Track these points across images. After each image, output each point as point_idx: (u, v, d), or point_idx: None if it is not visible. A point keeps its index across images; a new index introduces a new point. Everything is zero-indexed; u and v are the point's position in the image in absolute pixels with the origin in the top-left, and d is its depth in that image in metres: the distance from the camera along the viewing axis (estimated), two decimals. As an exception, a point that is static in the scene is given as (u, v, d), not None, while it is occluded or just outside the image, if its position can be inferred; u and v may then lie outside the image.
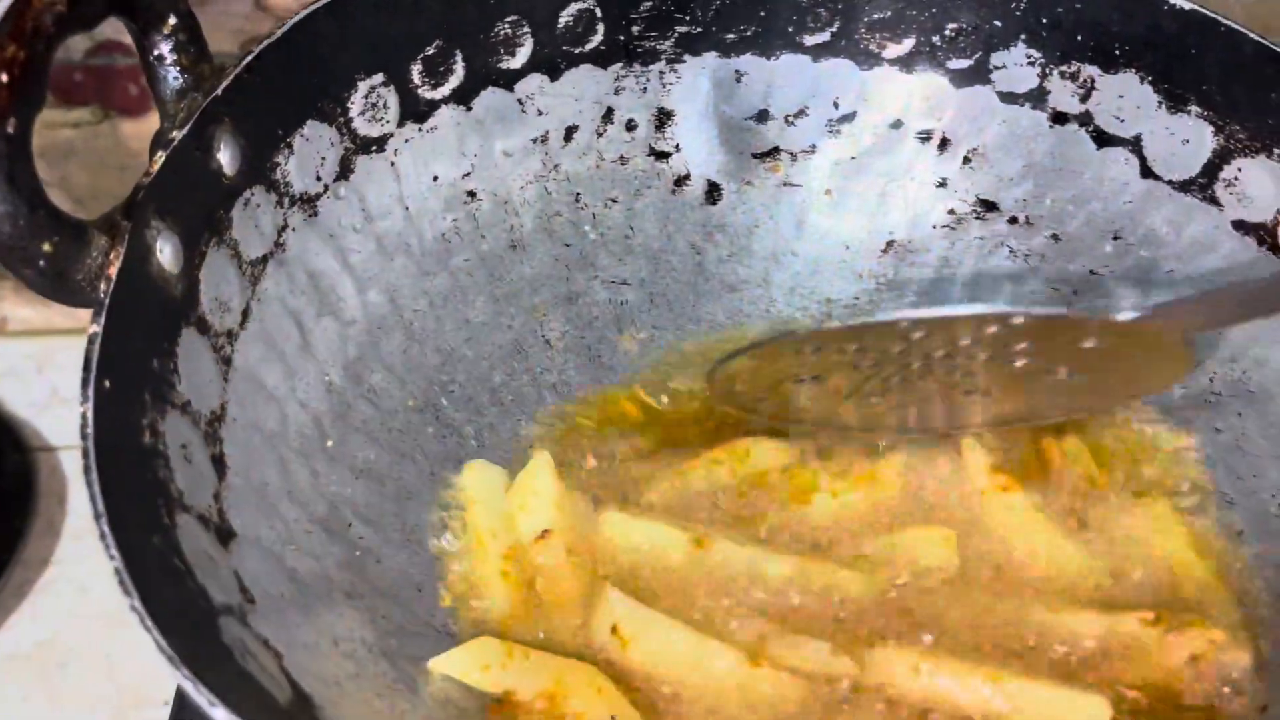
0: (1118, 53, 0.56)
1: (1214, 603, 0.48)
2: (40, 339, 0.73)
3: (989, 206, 0.62)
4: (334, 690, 0.37)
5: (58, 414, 0.71)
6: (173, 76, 0.43)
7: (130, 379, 0.36)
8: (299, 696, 0.35)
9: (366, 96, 0.52)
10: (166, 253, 0.40)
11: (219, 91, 0.43)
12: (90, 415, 0.33)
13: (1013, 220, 0.61)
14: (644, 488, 0.52)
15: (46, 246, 0.35)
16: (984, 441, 0.54)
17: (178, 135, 0.41)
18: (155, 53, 0.42)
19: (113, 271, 0.36)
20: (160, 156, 0.40)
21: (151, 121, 0.41)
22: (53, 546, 0.68)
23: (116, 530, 0.30)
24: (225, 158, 0.44)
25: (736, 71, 0.61)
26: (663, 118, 0.62)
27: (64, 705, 0.63)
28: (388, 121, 0.53)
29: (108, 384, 0.34)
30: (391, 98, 0.53)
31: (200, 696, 0.27)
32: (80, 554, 0.68)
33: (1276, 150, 0.52)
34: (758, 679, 0.44)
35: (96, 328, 0.35)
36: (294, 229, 0.48)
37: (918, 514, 0.52)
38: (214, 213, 0.43)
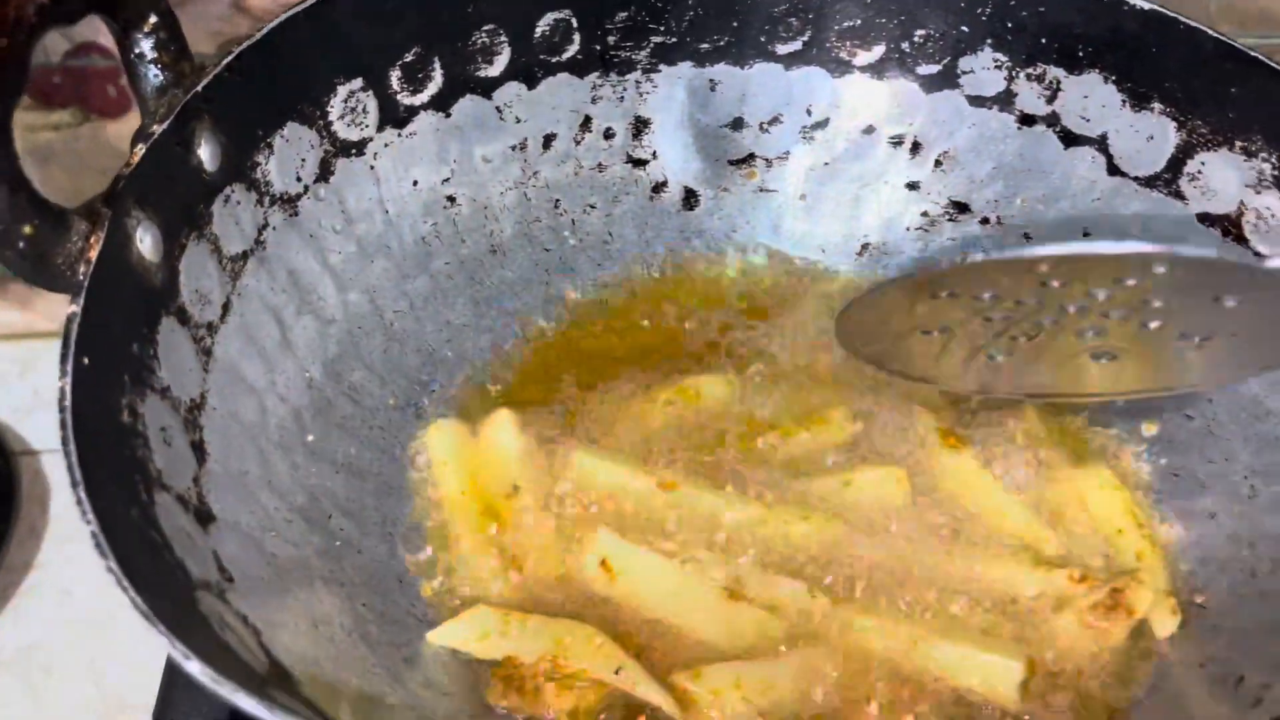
0: (1081, 54, 0.58)
1: (1147, 568, 0.49)
2: (22, 342, 0.73)
3: (961, 208, 0.63)
4: (313, 668, 0.37)
5: (40, 418, 0.71)
6: (153, 74, 0.44)
7: (109, 359, 0.37)
8: (277, 670, 0.35)
9: (346, 101, 0.53)
10: (147, 242, 0.41)
11: (199, 89, 0.44)
12: (68, 389, 0.33)
13: (984, 221, 0.62)
14: (602, 432, 0.53)
15: (27, 229, 0.36)
16: (934, 400, 0.55)
17: (158, 129, 0.42)
18: (136, 50, 0.43)
19: (93, 255, 0.37)
20: (141, 149, 0.41)
21: (131, 123, 0.42)
22: (35, 551, 0.67)
23: (93, 497, 0.31)
24: (205, 154, 0.45)
25: (711, 80, 0.63)
26: (640, 126, 0.63)
27: (48, 710, 0.62)
28: (367, 126, 0.54)
29: (86, 361, 0.35)
30: (371, 103, 0.54)
31: (176, 651, 0.27)
32: (64, 558, 0.67)
33: (1238, 143, 0.54)
34: (740, 612, 0.45)
35: (76, 308, 0.36)
36: (274, 228, 0.49)
37: (870, 458, 0.53)
38: (194, 207, 0.44)
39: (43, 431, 0.71)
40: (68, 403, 0.33)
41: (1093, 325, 0.45)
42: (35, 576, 0.67)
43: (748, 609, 0.46)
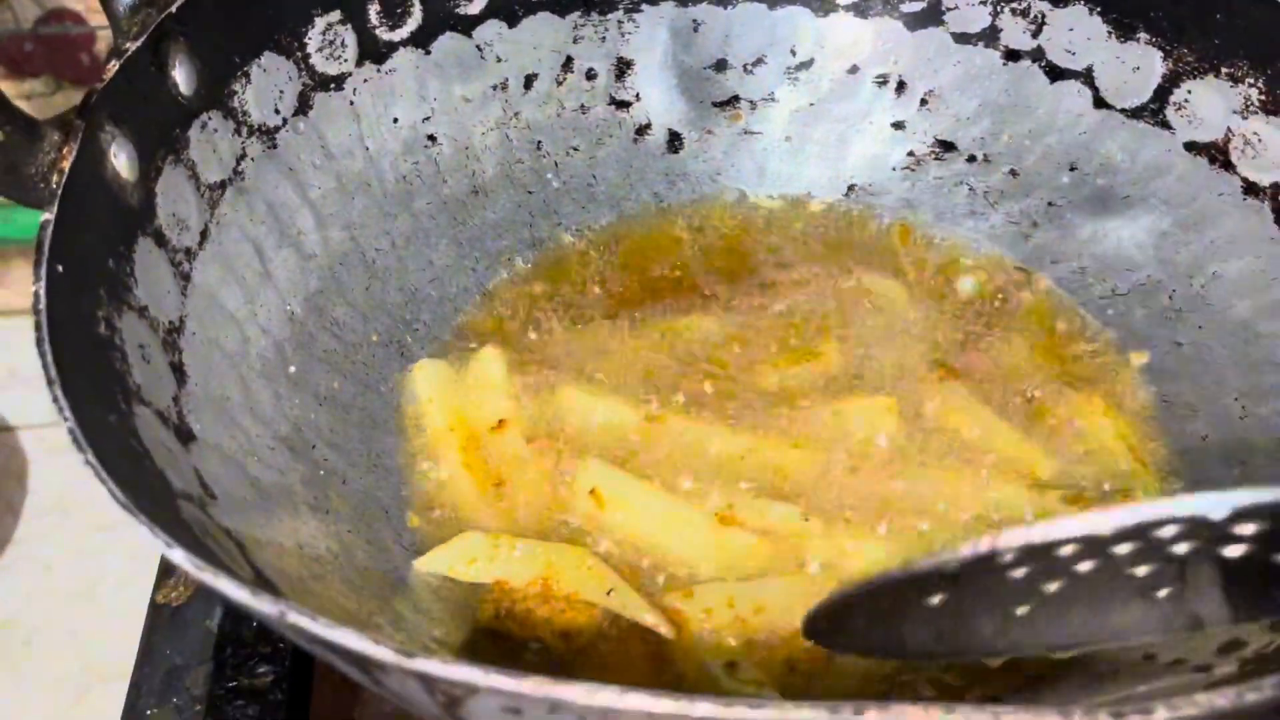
0: (1066, -14, 0.57)
1: (1141, 488, 0.49)
2: (-2, 320, 0.73)
3: (947, 146, 0.62)
4: (297, 586, 0.36)
5: (17, 394, 0.70)
6: (126, -8, 0.42)
7: (84, 270, 0.36)
8: (261, 580, 0.34)
9: (324, 34, 0.52)
10: (121, 159, 0.40)
11: (173, 9, 0.43)
12: (43, 293, 0.32)
13: (971, 159, 0.62)
14: (592, 365, 0.53)
15: (-3, 135, 0.35)
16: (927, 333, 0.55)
17: (132, 46, 0.41)
18: (108, -32, 0.42)
19: (65, 165, 0.36)
20: (114, 64, 0.40)
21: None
22: (14, 526, 0.67)
23: (70, 395, 0.30)
24: (181, 76, 0.44)
25: (694, 20, 0.62)
26: (622, 67, 0.62)
27: (28, 682, 0.62)
28: (346, 60, 0.53)
29: (60, 268, 0.34)
30: (349, 36, 0.53)
31: (159, 538, 0.26)
32: (42, 532, 0.67)
33: (1224, 69, 0.53)
34: (732, 538, 0.44)
35: (49, 215, 0.35)
36: (253, 159, 0.48)
37: (861, 389, 0.53)
38: (170, 130, 0.43)
39: (19, 407, 0.70)
40: (42, 306, 0.32)
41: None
42: (13, 551, 0.66)
43: (740, 534, 0.45)
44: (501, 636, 0.42)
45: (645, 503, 0.47)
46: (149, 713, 0.46)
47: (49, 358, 0.31)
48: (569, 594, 0.42)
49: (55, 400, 0.30)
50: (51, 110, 0.82)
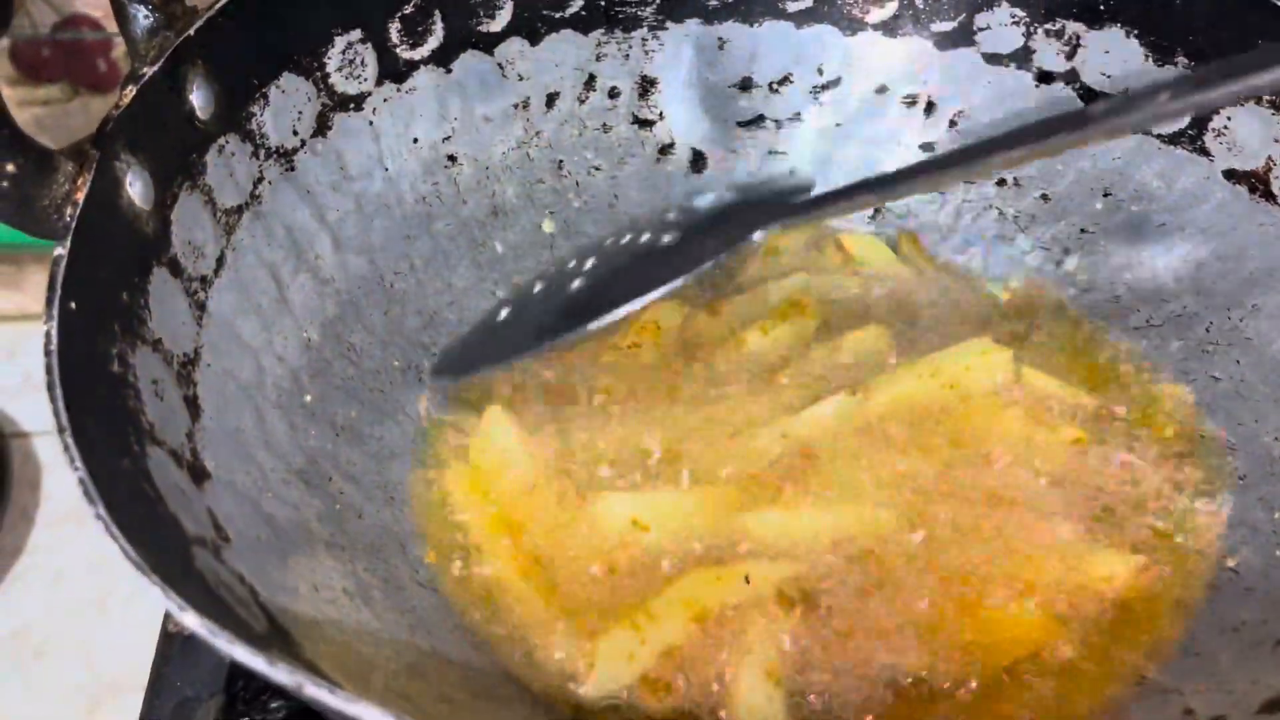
0: (1102, 7, 0.56)
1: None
2: (13, 324, 0.72)
3: (977, 169, 0.61)
4: (313, 630, 0.35)
5: (31, 399, 0.69)
6: (143, 15, 0.42)
7: (98, 306, 0.35)
8: (276, 630, 0.33)
9: (344, 53, 0.51)
10: (137, 188, 0.39)
11: (191, 32, 0.42)
12: (54, 333, 0.32)
13: (1001, 182, 0.61)
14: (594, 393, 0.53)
15: (10, 167, 0.34)
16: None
17: (149, 71, 0.40)
18: (125, -10, 0.41)
19: (80, 197, 0.35)
20: (131, 90, 0.39)
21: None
22: (27, 534, 0.66)
23: (80, 442, 0.29)
24: (198, 100, 0.43)
25: (719, 38, 0.61)
26: (646, 85, 0.61)
27: (40, 694, 0.61)
28: (366, 80, 0.52)
29: (73, 306, 0.33)
30: (370, 55, 0.52)
31: (170, 601, 0.26)
32: (55, 542, 0.66)
33: (1265, 96, 0.52)
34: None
35: (62, 250, 0.34)
36: (270, 182, 0.47)
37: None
38: (187, 155, 0.42)
39: (34, 413, 0.70)
40: (53, 347, 0.31)
41: None
42: (27, 560, 0.65)
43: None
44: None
45: (681, 511, 0.47)
46: (159, 746, 0.46)
47: (60, 402, 0.30)
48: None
49: (66, 449, 0.29)
50: (67, 116, 0.81)
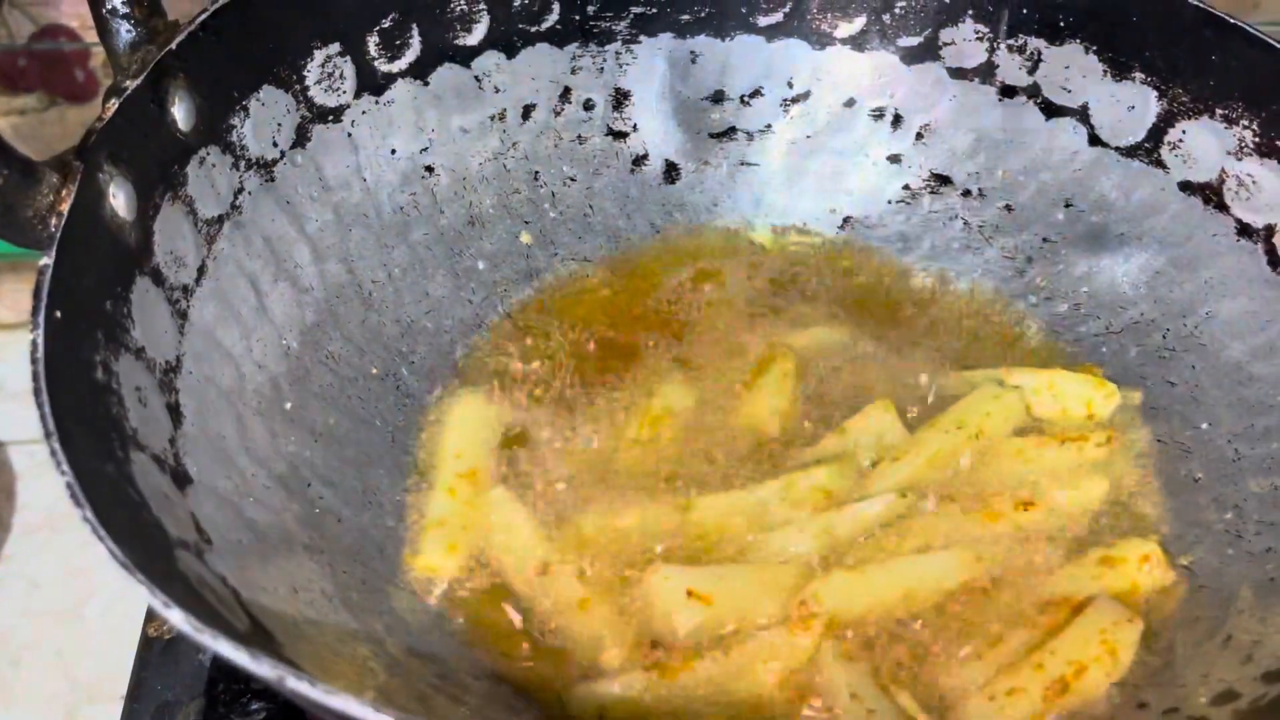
0: (1063, 24, 0.58)
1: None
2: (-14, 335, 0.72)
3: (942, 180, 0.63)
4: (293, 630, 0.36)
5: (6, 409, 0.69)
6: (125, 29, 0.43)
7: (82, 315, 0.36)
8: (258, 629, 0.34)
9: (323, 66, 0.52)
10: (120, 199, 0.40)
11: (173, 46, 0.43)
12: (40, 341, 0.32)
13: (966, 193, 0.62)
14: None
15: (-4, 179, 0.34)
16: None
17: (131, 85, 0.41)
18: (108, 5, 0.42)
19: (64, 208, 0.36)
20: (114, 104, 0.40)
21: (99, 108, 0.41)
22: (3, 543, 0.66)
23: (67, 448, 0.30)
24: (180, 113, 0.44)
25: (692, 52, 0.62)
26: (620, 98, 0.62)
27: (17, 702, 0.61)
28: (344, 92, 0.53)
29: (59, 314, 0.34)
30: (348, 68, 0.53)
31: (156, 599, 0.26)
32: (31, 550, 0.66)
33: (1219, 110, 0.54)
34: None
35: (48, 260, 0.35)
36: (250, 193, 0.48)
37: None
38: (169, 167, 0.43)
39: (9, 422, 0.70)
40: (40, 355, 0.32)
41: None
42: (2, 569, 0.66)
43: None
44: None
45: (740, 580, 0.46)
46: (140, 749, 0.46)
47: (47, 409, 0.31)
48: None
49: (53, 453, 0.30)
50: (44, 126, 0.82)
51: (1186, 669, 0.42)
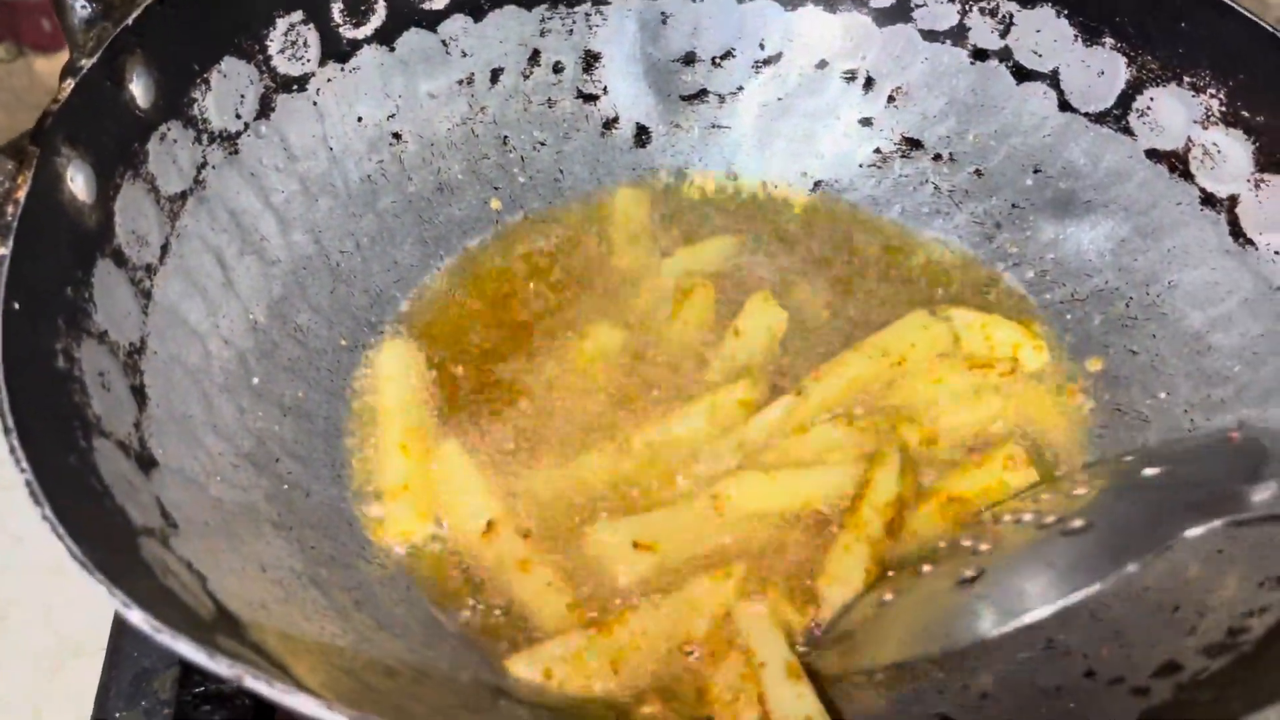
0: (1035, -13, 0.57)
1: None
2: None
3: (913, 144, 0.62)
4: (260, 612, 0.37)
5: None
6: (81, 5, 0.42)
7: (42, 303, 0.36)
8: (223, 614, 0.35)
9: (286, 34, 0.51)
10: (79, 181, 0.39)
11: (129, 22, 0.42)
12: (-1, 335, 0.32)
13: (937, 157, 0.62)
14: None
15: (-51, 168, 0.34)
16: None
17: (87, 64, 0.40)
18: (62, -19, 0.42)
19: (20, 195, 0.36)
20: (69, 84, 0.40)
21: (66, 58, 0.41)
22: (-17, 499, 0.66)
23: (27, 444, 0.30)
24: (138, 89, 0.43)
25: (662, 13, 0.62)
26: (590, 60, 0.62)
27: (3, 656, 0.62)
28: (309, 60, 0.52)
29: (17, 305, 0.34)
30: (312, 36, 0.52)
31: (115, 599, 0.27)
32: (14, 505, 0.66)
33: (1187, 79, 0.54)
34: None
35: (4, 250, 0.35)
36: (214, 166, 0.48)
37: None
38: (128, 145, 0.43)
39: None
40: (-2, 348, 0.32)
41: None
42: (-16, 525, 0.65)
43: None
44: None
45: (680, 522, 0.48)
46: (117, 715, 0.47)
47: (5, 404, 0.31)
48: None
49: (12, 450, 0.30)
50: (11, 76, 0.80)
51: (1134, 638, 0.43)
